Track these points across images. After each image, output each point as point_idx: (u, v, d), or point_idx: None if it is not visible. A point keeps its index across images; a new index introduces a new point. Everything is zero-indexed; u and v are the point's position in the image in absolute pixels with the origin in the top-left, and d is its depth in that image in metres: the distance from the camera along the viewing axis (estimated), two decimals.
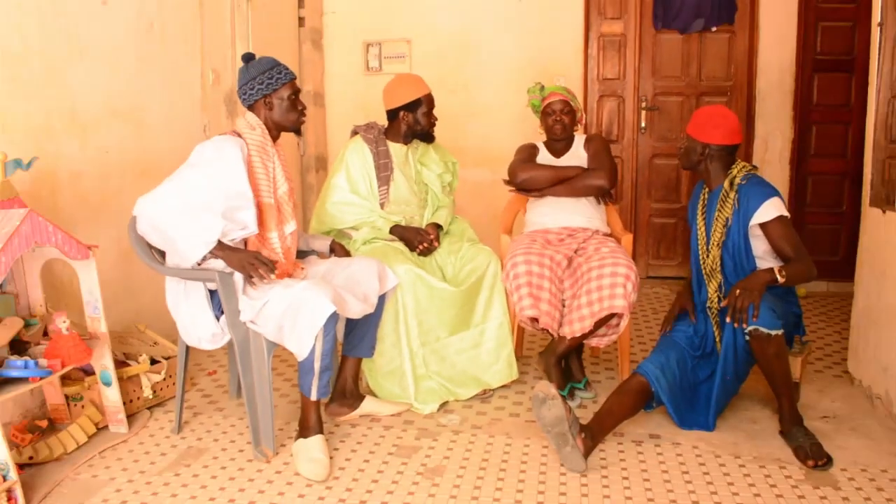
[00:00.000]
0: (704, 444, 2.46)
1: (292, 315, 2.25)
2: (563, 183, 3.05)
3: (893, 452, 2.41)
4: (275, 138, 2.52)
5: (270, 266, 2.32)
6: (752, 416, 2.68)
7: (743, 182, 2.55)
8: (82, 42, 2.92)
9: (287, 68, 2.48)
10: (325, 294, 2.25)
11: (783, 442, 2.45)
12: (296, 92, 2.48)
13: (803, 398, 2.84)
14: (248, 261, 2.31)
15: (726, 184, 2.57)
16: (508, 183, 3.21)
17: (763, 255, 2.56)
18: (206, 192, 2.27)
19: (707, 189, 2.68)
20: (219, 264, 2.35)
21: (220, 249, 2.31)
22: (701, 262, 2.71)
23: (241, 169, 2.33)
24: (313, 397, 2.35)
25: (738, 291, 2.38)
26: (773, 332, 2.34)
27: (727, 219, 2.55)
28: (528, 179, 3.08)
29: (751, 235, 2.53)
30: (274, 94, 2.44)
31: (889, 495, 2.13)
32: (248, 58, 2.48)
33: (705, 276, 2.66)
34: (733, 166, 2.60)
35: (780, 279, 2.38)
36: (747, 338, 2.40)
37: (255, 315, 2.33)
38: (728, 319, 2.41)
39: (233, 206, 2.30)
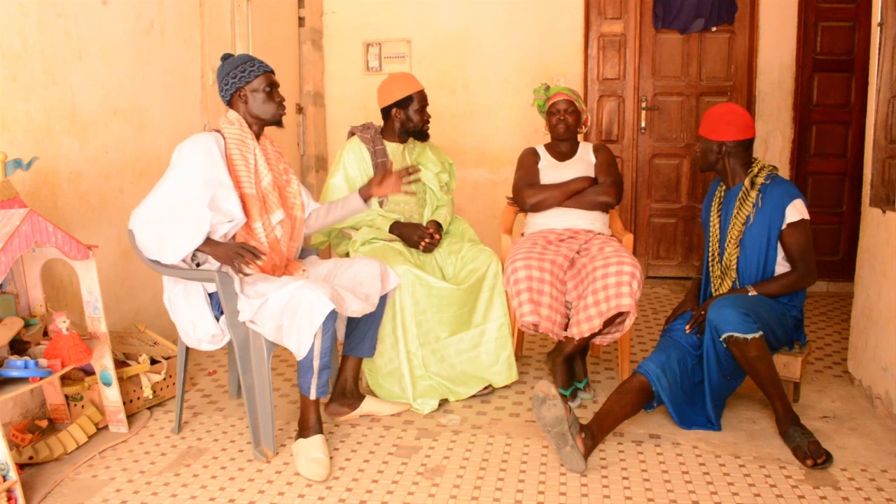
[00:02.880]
0: (704, 444, 2.46)
1: (290, 313, 2.25)
2: (571, 197, 3.06)
3: (893, 452, 2.41)
4: (257, 133, 2.54)
5: (256, 253, 2.32)
6: (752, 416, 2.68)
7: (766, 182, 2.57)
8: (82, 42, 2.92)
9: (261, 62, 2.50)
10: (323, 292, 2.25)
11: (783, 442, 2.45)
12: (271, 84, 2.50)
13: (803, 398, 2.84)
14: (234, 251, 2.31)
15: (747, 182, 2.59)
16: (514, 203, 3.22)
17: (781, 260, 2.60)
18: (190, 187, 2.31)
19: (724, 187, 2.70)
20: (216, 264, 2.36)
21: (206, 245, 2.32)
22: (711, 260, 2.72)
23: (219, 159, 2.37)
24: (312, 396, 2.35)
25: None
26: (750, 336, 2.35)
27: (748, 217, 2.56)
28: (537, 204, 3.09)
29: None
30: (247, 87, 2.47)
31: (889, 495, 2.13)
32: (224, 57, 2.53)
33: (719, 274, 2.68)
34: (753, 164, 2.63)
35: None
36: (724, 345, 2.41)
37: (253, 314, 2.33)
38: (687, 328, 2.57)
39: (217, 197, 2.33)
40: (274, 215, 2.52)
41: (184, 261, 2.36)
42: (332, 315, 2.26)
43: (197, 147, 2.36)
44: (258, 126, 2.53)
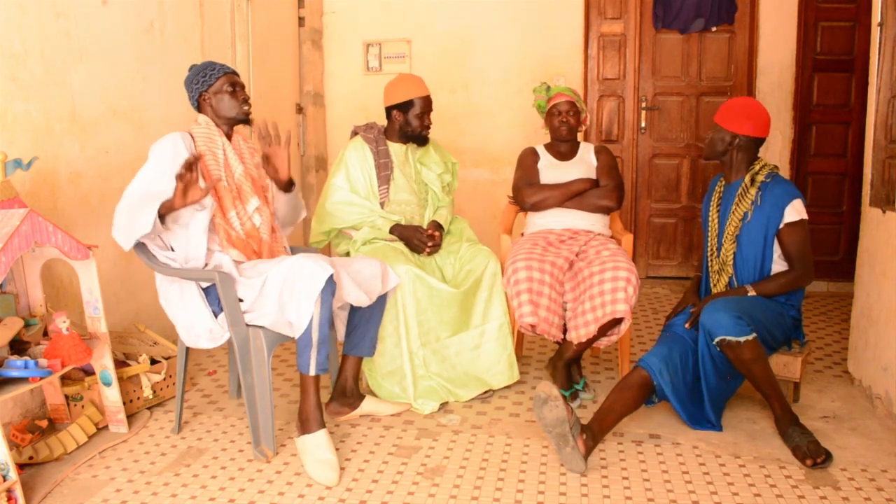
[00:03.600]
0: (704, 444, 2.46)
1: (290, 285, 2.28)
2: (572, 199, 3.06)
3: (893, 452, 2.41)
4: (227, 133, 2.61)
5: (191, 162, 2.26)
6: (752, 416, 2.68)
7: (767, 180, 2.57)
8: (82, 42, 2.92)
9: (222, 65, 2.58)
10: (321, 259, 2.30)
11: (783, 442, 2.45)
12: (233, 84, 2.57)
13: (803, 398, 2.84)
14: (177, 178, 2.25)
15: (747, 179, 2.60)
16: (514, 202, 3.22)
17: (777, 258, 2.60)
18: (157, 178, 2.36)
19: (724, 182, 2.70)
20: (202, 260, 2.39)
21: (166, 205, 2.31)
22: (709, 255, 2.72)
23: (185, 153, 2.42)
24: (312, 371, 2.32)
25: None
26: (743, 339, 2.35)
27: (745, 213, 2.57)
28: (536, 203, 3.08)
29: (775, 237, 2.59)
30: (210, 90, 2.55)
31: (889, 495, 2.13)
32: (191, 67, 2.61)
33: (717, 269, 2.67)
34: (756, 162, 2.63)
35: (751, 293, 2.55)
36: (718, 348, 2.41)
37: (255, 298, 2.34)
38: (687, 325, 2.57)
39: None
40: (249, 204, 2.57)
41: (168, 257, 2.41)
42: (331, 284, 2.28)
43: (164, 145, 2.43)
44: (227, 126, 2.60)
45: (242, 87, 2.61)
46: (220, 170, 2.53)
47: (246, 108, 2.59)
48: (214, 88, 2.55)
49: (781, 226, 2.54)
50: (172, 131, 2.58)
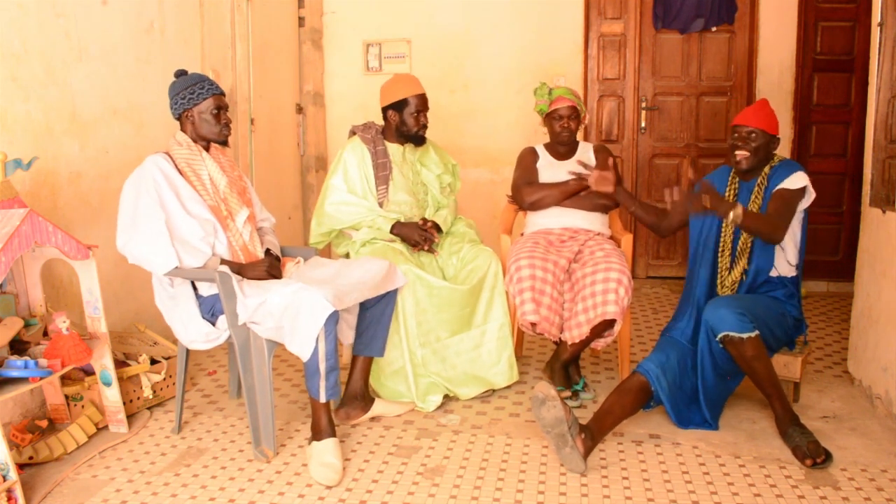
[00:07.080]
0: (704, 444, 2.46)
1: (291, 317, 2.25)
2: (570, 197, 3.06)
3: (893, 452, 2.41)
4: (205, 147, 2.58)
5: None
6: (752, 416, 2.68)
7: (775, 164, 2.61)
8: (82, 42, 2.92)
9: (211, 84, 2.53)
10: (323, 294, 2.26)
11: (783, 441, 2.45)
12: (219, 107, 2.53)
13: (803, 398, 2.84)
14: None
15: (765, 172, 2.61)
16: (513, 202, 3.22)
17: (789, 258, 2.59)
18: (156, 207, 2.40)
19: (737, 179, 2.69)
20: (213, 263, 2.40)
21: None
22: (720, 252, 2.67)
23: (166, 189, 2.43)
24: (322, 399, 2.33)
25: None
26: (746, 336, 2.35)
27: (759, 207, 2.57)
28: (535, 202, 3.09)
29: None
30: (195, 108, 2.51)
31: (889, 495, 2.13)
32: (178, 74, 2.57)
33: (728, 265, 2.63)
34: (774, 159, 2.64)
35: (733, 218, 2.34)
36: (721, 344, 2.41)
37: (251, 315, 2.34)
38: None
39: (187, 222, 2.43)
40: (239, 216, 2.57)
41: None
42: (334, 316, 2.26)
43: (146, 175, 2.41)
44: (206, 143, 2.58)
45: (227, 108, 2.58)
46: (206, 188, 2.51)
47: (226, 132, 2.56)
48: (200, 108, 2.51)
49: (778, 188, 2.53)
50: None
